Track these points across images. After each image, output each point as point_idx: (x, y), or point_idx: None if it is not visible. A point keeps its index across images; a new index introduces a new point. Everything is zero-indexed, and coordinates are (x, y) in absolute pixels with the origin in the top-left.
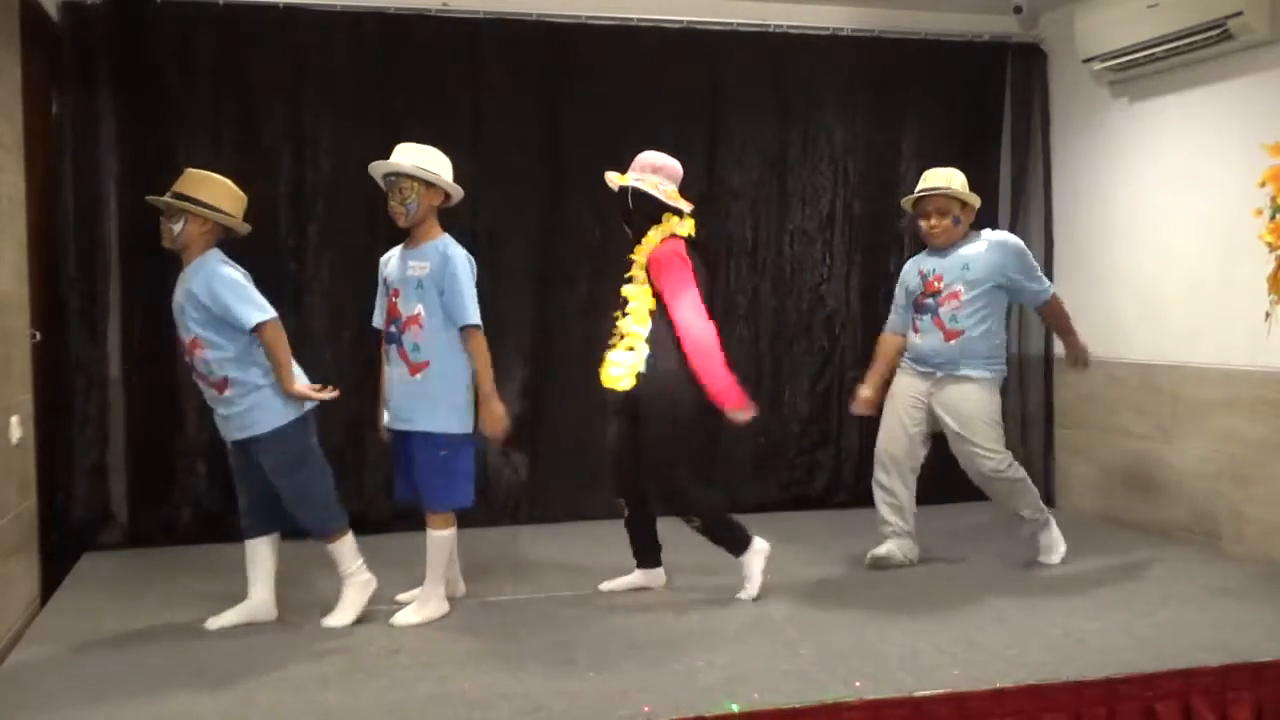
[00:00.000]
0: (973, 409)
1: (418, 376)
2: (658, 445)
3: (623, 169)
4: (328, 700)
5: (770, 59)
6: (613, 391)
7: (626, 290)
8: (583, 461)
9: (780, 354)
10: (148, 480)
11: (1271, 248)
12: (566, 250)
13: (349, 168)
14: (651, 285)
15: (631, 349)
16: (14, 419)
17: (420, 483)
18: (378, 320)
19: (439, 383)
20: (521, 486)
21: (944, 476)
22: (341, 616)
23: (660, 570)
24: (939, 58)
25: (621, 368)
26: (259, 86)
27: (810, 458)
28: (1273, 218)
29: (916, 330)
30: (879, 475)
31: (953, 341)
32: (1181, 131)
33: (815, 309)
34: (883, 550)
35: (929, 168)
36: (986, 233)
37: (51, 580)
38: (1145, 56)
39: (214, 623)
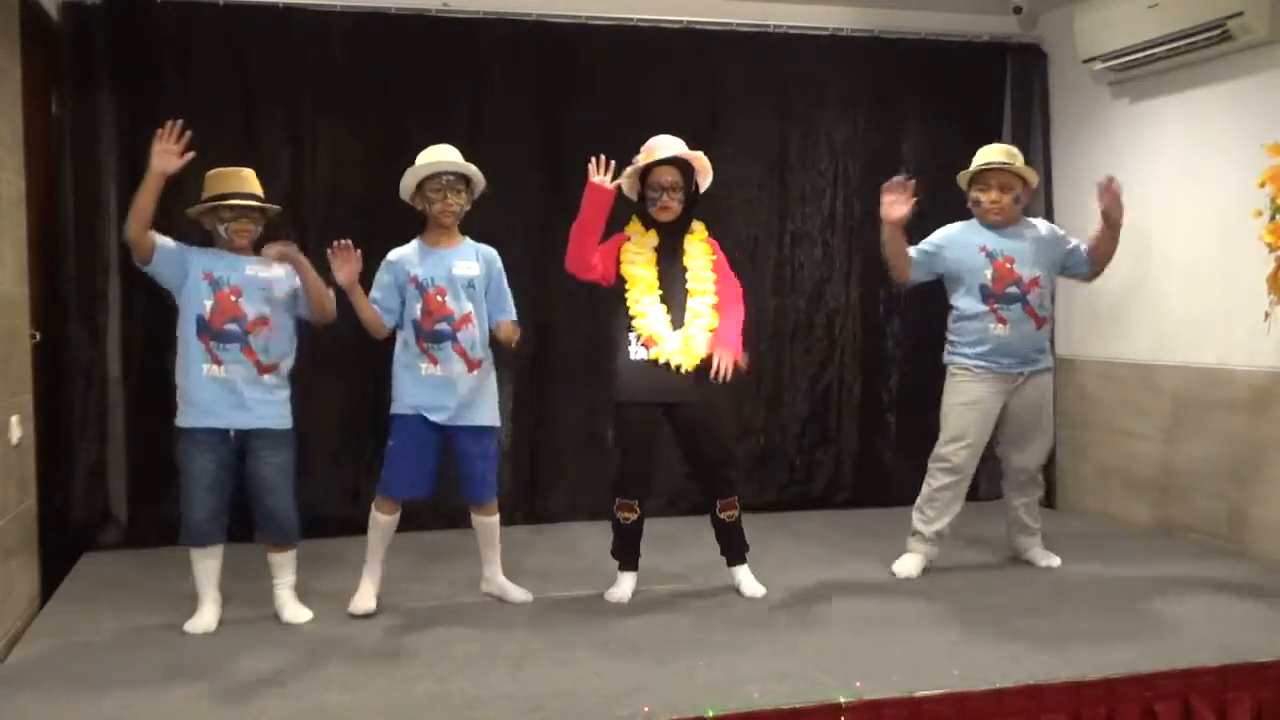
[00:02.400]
0: (1050, 403)
1: (476, 373)
2: (726, 429)
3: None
4: (328, 700)
5: (770, 59)
6: (668, 383)
7: (696, 267)
8: (582, 462)
9: (780, 354)
10: (147, 480)
11: (1271, 248)
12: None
13: (349, 168)
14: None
15: (706, 329)
16: (14, 419)
17: (479, 473)
18: (395, 319)
19: (490, 378)
20: (521, 486)
21: None
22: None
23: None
24: (939, 58)
25: (699, 343)
26: (258, 86)
27: (810, 458)
28: (1272, 218)
29: (1004, 322)
30: (958, 484)
31: (1043, 329)
32: (1181, 131)
33: (815, 309)
34: (924, 560)
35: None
36: (1032, 219)
37: (51, 580)
38: (1145, 57)
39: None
